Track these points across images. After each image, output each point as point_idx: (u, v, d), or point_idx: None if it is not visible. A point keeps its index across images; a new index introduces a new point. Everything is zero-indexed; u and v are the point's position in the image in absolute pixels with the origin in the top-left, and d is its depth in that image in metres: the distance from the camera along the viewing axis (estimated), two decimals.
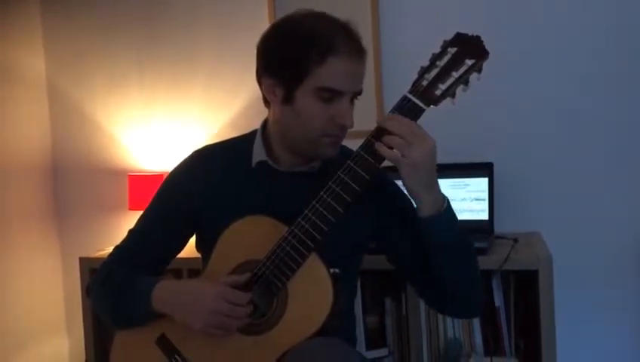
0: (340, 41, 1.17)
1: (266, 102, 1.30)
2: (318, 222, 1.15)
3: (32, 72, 2.66)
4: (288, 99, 1.21)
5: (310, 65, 1.16)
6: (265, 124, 1.34)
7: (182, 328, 1.22)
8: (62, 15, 2.66)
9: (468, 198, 2.04)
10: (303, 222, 1.16)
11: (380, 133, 1.15)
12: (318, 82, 1.17)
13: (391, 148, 1.14)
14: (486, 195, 2.03)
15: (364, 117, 1.48)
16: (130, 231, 1.39)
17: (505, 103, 2.16)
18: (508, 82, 2.14)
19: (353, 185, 1.15)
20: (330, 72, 1.16)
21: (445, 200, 1.20)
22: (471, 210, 2.03)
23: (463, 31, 1.17)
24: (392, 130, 1.13)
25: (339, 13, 1.24)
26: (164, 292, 1.23)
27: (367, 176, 1.16)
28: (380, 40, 2.24)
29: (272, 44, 1.24)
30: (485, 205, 2.02)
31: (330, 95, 1.18)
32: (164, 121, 2.55)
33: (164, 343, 1.25)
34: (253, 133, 1.35)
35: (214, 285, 1.19)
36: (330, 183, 1.16)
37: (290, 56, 1.18)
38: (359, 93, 1.24)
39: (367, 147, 1.16)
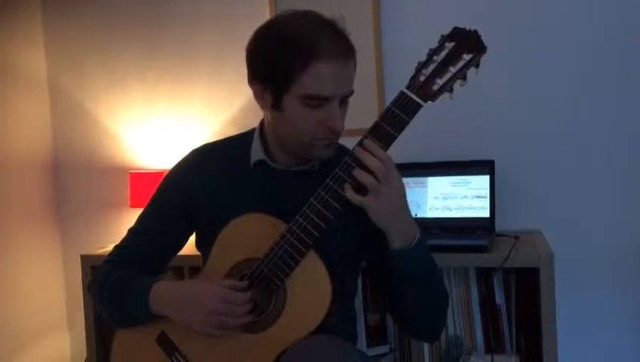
0: (324, 45, 1.13)
1: None
2: (317, 220, 1.15)
3: (33, 71, 2.66)
4: (277, 105, 1.20)
5: (294, 71, 1.14)
6: (262, 123, 1.34)
7: (182, 326, 1.22)
8: (63, 14, 2.66)
9: (469, 196, 2.04)
10: (301, 220, 1.16)
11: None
12: (304, 90, 1.15)
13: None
14: (487, 193, 2.02)
15: (365, 116, 1.48)
16: (130, 231, 1.39)
17: (506, 101, 2.16)
18: (508, 81, 2.13)
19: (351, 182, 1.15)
20: (315, 78, 1.14)
21: (417, 234, 1.19)
22: (472, 208, 2.03)
23: None
24: (367, 164, 1.12)
25: (339, 13, 1.22)
26: (162, 295, 1.24)
27: None
28: (381, 39, 2.23)
29: (258, 50, 1.21)
30: (486, 203, 2.02)
31: (317, 102, 1.16)
32: (165, 118, 2.55)
33: (164, 341, 1.26)
34: (251, 132, 1.35)
35: (212, 285, 1.19)
36: (327, 180, 1.16)
37: (275, 64, 1.16)
38: (349, 94, 1.21)
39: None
